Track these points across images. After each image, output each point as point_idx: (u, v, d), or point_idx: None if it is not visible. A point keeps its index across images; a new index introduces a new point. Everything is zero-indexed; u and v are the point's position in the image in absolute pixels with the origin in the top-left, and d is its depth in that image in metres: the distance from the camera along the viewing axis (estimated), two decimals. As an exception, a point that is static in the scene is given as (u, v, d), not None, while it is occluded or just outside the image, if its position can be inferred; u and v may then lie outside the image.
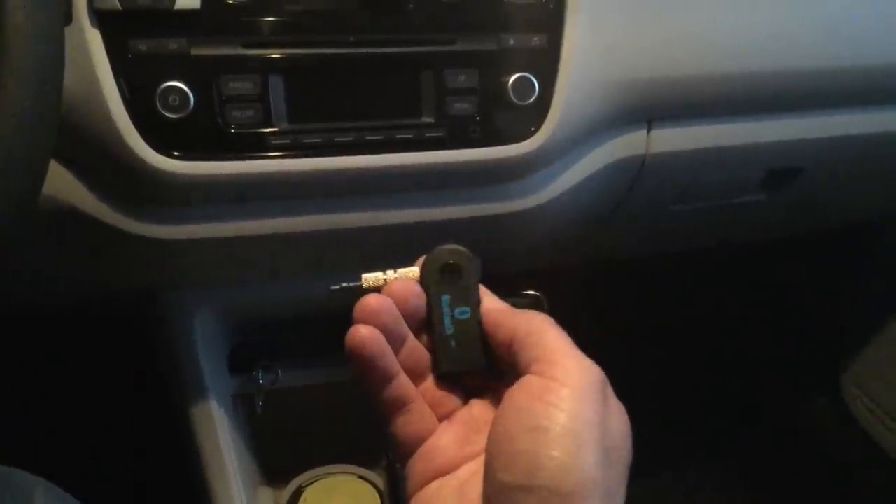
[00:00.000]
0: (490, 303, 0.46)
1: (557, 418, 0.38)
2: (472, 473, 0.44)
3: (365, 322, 0.43)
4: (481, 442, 0.43)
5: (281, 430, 0.87)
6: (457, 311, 0.45)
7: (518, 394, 0.41)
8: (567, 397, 0.39)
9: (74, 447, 1.08)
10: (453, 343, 0.45)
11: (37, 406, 1.12)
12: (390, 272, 0.45)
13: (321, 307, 0.81)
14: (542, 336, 0.42)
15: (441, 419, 0.46)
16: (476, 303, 0.45)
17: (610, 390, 0.42)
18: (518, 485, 0.38)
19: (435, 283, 0.45)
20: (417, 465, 0.45)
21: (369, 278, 0.45)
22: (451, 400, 0.47)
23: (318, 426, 0.88)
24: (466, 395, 0.47)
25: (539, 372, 0.41)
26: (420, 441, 0.46)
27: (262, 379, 0.84)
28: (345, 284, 0.46)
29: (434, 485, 0.45)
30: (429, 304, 0.45)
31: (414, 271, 0.45)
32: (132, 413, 1.11)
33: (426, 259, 0.45)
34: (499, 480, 0.39)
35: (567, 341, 0.42)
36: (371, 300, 0.43)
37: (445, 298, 0.45)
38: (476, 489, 0.42)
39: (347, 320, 0.80)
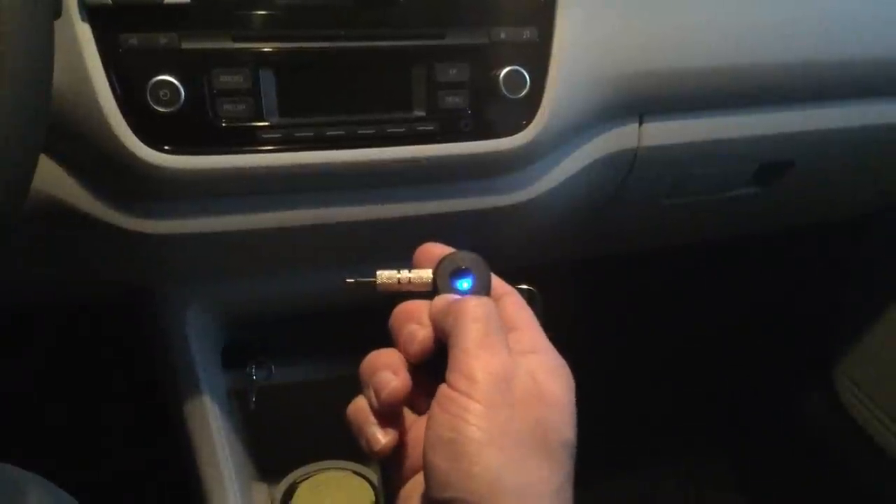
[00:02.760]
0: (437, 299, 0.45)
1: (458, 429, 0.39)
2: None
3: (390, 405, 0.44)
4: None
5: (275, 425, 0.87)
6: None
7: (433, 405, 0.41)
8: (468, 406, 0.39)
9: (68, 442, 1.08)
10: None
11: (30, 402, 1.12)
12: (404, 272, 0.46)
13: (315, 302, 0.82)
14: (456, 331, 0.42)
15: (419, 414, 0.47)
16: None
17: (520, 379, 0.41)
18: (436, 499, 0.39)
19: (446, 287, 0.46)
20: (398, 461, 0.46)
21: (384, 275, 0.46)
22: (429, 394, 0.46)
23: (311, 422, 0.88)
24: None
25: (448, 377, 0.41)
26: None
27: (255, 375, 0.84)
28: (360, 279, 0.47)
29: (417, 477, 0.45)
30: None
31: (427, 273, 0.46)
32: (125, 409, 1.11)
33: (439, 263, 0.46)
34: (426, 495, 0.40)
35: (474, 335, 0.41)
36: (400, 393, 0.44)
37: None
38: None
39: (342, 316, 0.81)
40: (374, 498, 0.85)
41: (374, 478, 0.88)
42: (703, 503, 1.40)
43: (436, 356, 0.45)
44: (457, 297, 0.45)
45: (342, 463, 0.89)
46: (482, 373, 0.40)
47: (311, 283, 0.77)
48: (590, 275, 1.20)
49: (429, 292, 0.46)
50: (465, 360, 0.41)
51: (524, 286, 0.49)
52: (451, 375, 0.41)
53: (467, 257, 0.46)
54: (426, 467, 0.40)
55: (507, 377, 0.41)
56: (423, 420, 0.46)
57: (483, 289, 0.46)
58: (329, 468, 0.88)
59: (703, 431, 1.46)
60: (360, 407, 0.45)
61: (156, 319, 0.76)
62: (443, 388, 0.41)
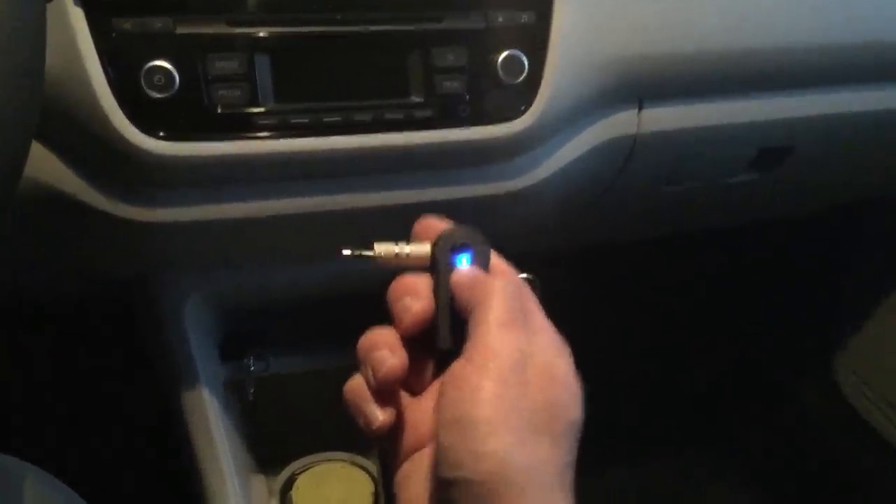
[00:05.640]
0: (462, 269, 0.45)
1: (469, 409, 0.39)
2: None
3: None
4: None
5: (273, 417, 0.87)
6: None
7: (445, 382, 0.41)
8: (481, 384, 0.39)
9: (65, 434, 1.08)
10: (454, 323, 0.45)
11: (27, 393, 1.12)
12: (402, 244, 0.46)
13: (313, 293, 0.81)
14: (480, 308, 0.42)
15: (415, 394, 0.47)
16: None
17: (534, 359, 0.41)
18: (446, 478, 0.39)
19: (444, 264, 0.45)
20: (395, 442, 0.46)
21: (381, 248, 0.46)
22: (425, 375, 0.47)
23: (310, 413, 0.88)
24: (439, 370, 0.47)
25: (465, 354, 0.41)
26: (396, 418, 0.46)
27: (253, 366, 0.84)
28: (356, 251, 0.46)
29: (414, 458, 0.45)
30: (436, 281, 0.45)
31: (426, 248, 0.46)
32: (123, 401, 1.11)
33: (438, 238, 0.45)
34: (435, 473, 0.40)
35: (497, 312, 0.41)
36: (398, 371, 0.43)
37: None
38: None
39: (340, 306, 0.80)
40: (373, 489, 0.85)
41: (374, 469, 0.87)
42: (701, 493, 1.40)
43: (431, 333, 0.45)
44: (481, 272, 0.45)
45: (341, 454, 0.89)
46: (500, 352, 0.40)
47: (309, 273, 0.77)
48: (589, 263, 1.19)
49: (427, 267, 0.46)
50: (484, 338, 0.41)
51: (524, 275, 0.49)
52: (468, 352, 0.41)
53: (467, 233, 0.45)
54: (436, 448, 0.40)
55: (523, 357, 0.41)
56: (419, 400, 0.46)
57: (482, 266, 0.45)
58: (328, 459, 0.88)
59: (701, 421, 1.46)
60: (357, 385, 0.45)
61: (153, 310, 0.75)
62: (456, 365, 0.41)
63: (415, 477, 0.44)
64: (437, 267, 0.45)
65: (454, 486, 0.39)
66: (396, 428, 0.45)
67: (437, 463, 0.40)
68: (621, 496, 1.36)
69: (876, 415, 1.27)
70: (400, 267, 0.46)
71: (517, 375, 0.40)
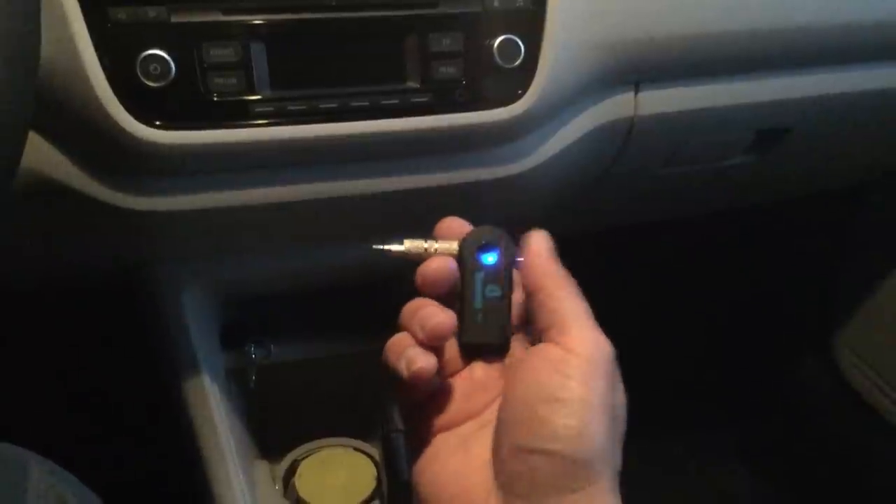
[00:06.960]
0: (538, 245, 0.47)
1: (574, 390, 0.41)
2: (475, 430, 0.46)
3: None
4: (483, 401, 0.46)
5: (275, 404, 0.88)
6: (488, 288, 0.48)
7: (536, 361, 0.43)
8: (582, 369, 0.41)
9: (67, 423, 1.08)
10: (480, 317, 0.48)
11: (29, 383, 1.12)
12: (431, 242, 0.48)
13: (313, 280, 0.81)
14: (563, 302, 0.44)
15: (443, 379, 0.48)
16: (507, 284, 0.48)
17: (618, 364, 0.44)
18: (535, 448, 0.41)
19: (471, 261, 0.48)
20: (421, 423, 0.48)
21: (411, 244, 0.48)
22: (454, 362, 0.48)
23: (312, 400, 0.88)
24: (467, 359, 0.49)
25: (555, 340, 0.43)
26: (425, 399, 0.48)
27: (254, 354, 0.84)
28: (387, 247, 0.49)
29: (438, 439, 0.47)
30: (463, 278, 0.48)
31: (453, 245, 0.48)
32: (125, 390, 1.11)
33: (466, 236, 0.48)
34: (515, 443, 0.42)
35: (585, 310, 0.44)
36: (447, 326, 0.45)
37: (479, 276, 0.48)
38: (481, 445, 0.45)
39: (340, 294, 0.80)
40: (375, 474, 0.86)
41: (376, 454, 0.88)
42: (703, 474, 1.41)
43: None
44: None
45: (344, 440, 0.89)
46: (604, 347, 0.43)
47: (309, 261, 0.77)
48: (588, 248, 1.19)
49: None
50: (585, 330, 0.43)
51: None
52: (561, 334, 0.42)
53: (494, 232, 0.48)
54: (526, 420, 0.41)
55: (614, 355, 0.43)
56: (447, 384, 0.48)
57: (508, 266, 0.48)
58: (331, 445, 0.89)
59: (702, 403, 1.46)
60: (401, 336, 0.46)
61: (152, 299, 0.75)
62: (548, 346, 0.43)
63: (445, 455, 0.46)
64: (463, 263, 0.47)
65: (542, 456, 0.40)
66: (425, 409, 0.47)
67: (522, 433, 0.41)
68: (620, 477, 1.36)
69: (874, 393, 1.27)
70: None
71: (613, 373, 0.43)
